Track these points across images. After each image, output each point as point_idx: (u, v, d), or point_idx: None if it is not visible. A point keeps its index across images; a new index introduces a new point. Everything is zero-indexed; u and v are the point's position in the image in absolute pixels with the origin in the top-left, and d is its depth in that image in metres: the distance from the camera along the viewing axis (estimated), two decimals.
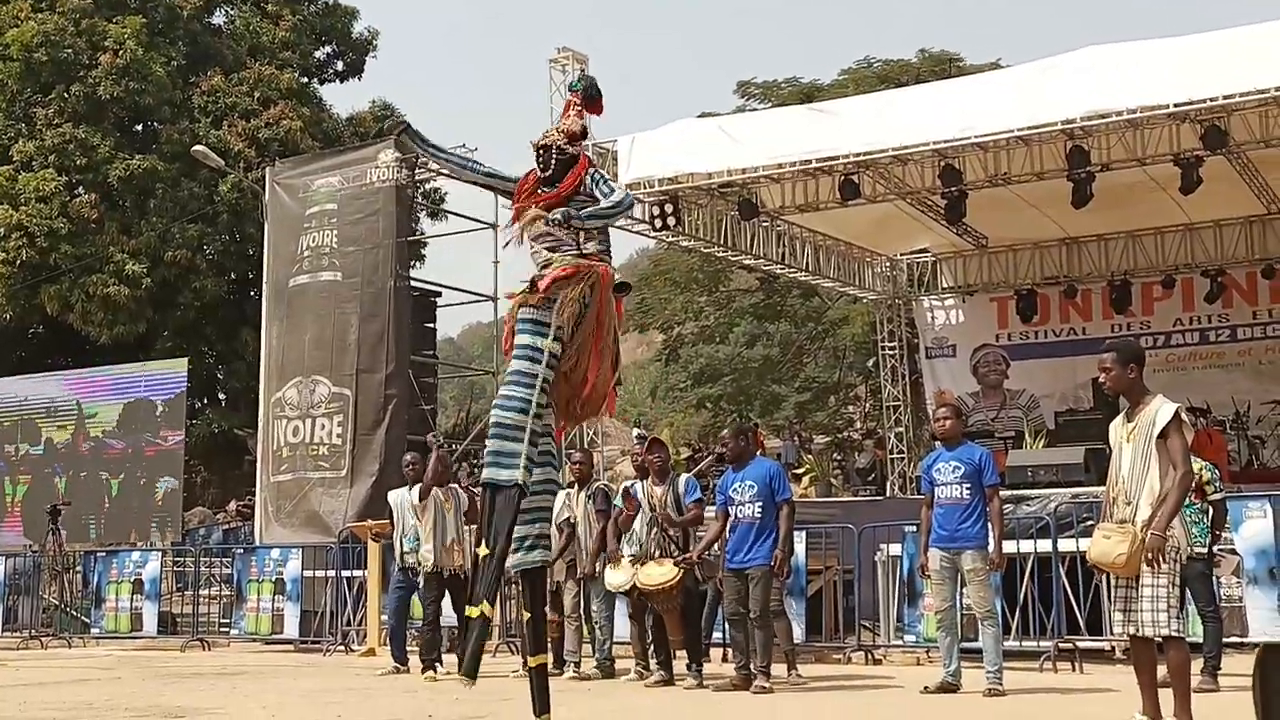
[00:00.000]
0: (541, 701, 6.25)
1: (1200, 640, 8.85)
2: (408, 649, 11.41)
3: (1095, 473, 13.95)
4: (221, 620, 15.84)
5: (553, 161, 6.59)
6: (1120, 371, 6.66)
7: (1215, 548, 9.10)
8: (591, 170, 6.64)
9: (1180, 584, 6.43)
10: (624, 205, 6.63)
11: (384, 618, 12.56)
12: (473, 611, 6.11)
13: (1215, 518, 9.04)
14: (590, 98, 6.89)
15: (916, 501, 14.28)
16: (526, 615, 6.57)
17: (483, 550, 6.14)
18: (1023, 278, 20.80)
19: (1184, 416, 6.48)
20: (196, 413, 27.04)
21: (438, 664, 10.75)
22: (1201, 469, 9.13)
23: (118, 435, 18.92)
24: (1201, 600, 8.95)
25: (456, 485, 11.41)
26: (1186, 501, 8.74)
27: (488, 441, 6.27)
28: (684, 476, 10.31)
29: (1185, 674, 6.47)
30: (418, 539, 11.13)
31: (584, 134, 6.84)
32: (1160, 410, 6.46)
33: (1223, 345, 19.72)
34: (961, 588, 9.07)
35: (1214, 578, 9.12)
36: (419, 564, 11.12)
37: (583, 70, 16.64)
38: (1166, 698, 6.50)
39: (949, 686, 8.80)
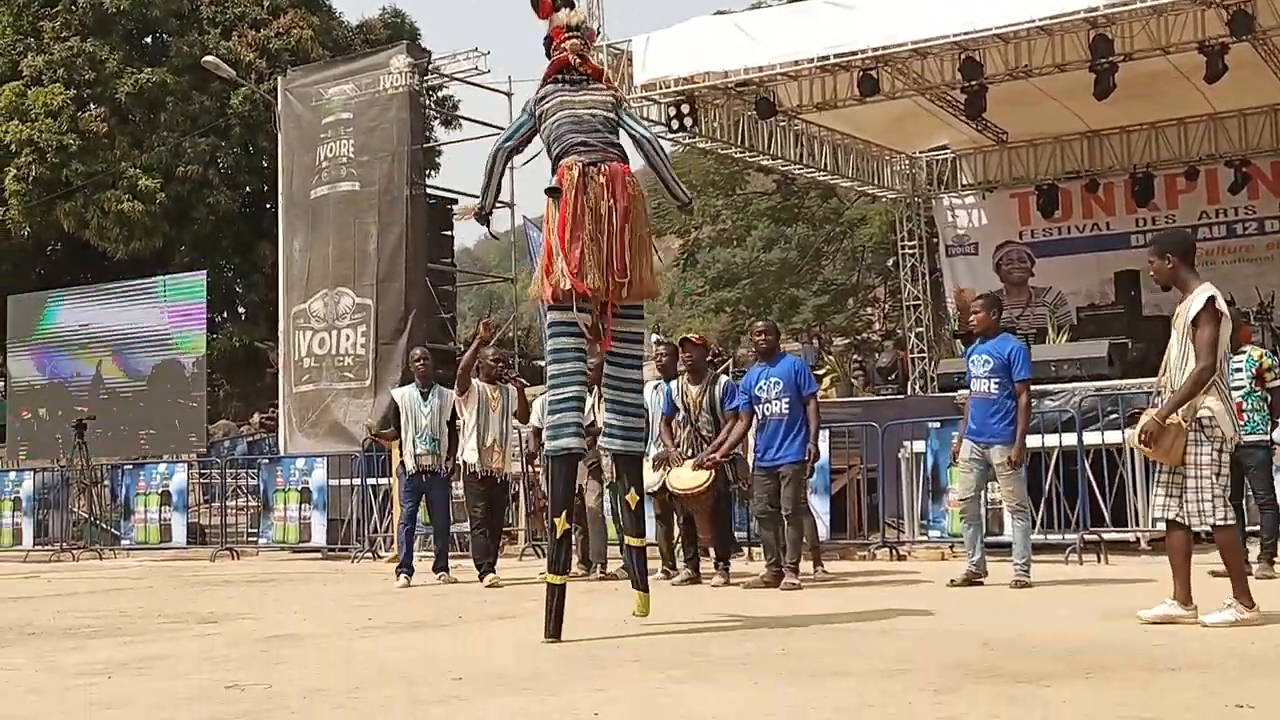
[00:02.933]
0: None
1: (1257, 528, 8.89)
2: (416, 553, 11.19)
3: (1119, 366, 13.94)
4: (249, 530, 16.01)
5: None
6: (1160, 263, 6.63)
7: (1277, 435, 9.03)
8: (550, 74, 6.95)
9: (1228, 470, 6.41)
10: (487, 163, 7.01)
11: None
12: (554, 579, 6.61)
13: (1275, 404, 8.94)
14: (535, 3, 7.07)
15: (938, 399, 14.38)
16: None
17: (561, 524, 6.66)
18: (1044, 173, 20.53)
19: (1220, 306, 6.38)
20: (217, 326, 27.14)
21: (493, 569, 10.43)
22: (1262, 355, 9.08)
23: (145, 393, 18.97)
24: (1260, 487, 8.93)
25: (508, 382, 10.91)
26: (1247, 388, 8.75)
27: (548, 416, 6.75)
28: (723, 379, 10.18)
29: (1236, 555, 6.49)
30: (434, 439, 10.77)
31: (548, 42, 7.03)
32: (1195, 299, 6.39)
33: (1250, 238, 19.48)
34: (991, 481, 9.04)
35: (1274, 465, 9.06)
36: (432, 464, 10.75)
37: None
38: (1199, 585, 6.51)
39: (973, 578, 8.83)
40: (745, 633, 6.86)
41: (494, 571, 10.41)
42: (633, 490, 6.97)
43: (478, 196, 7.27)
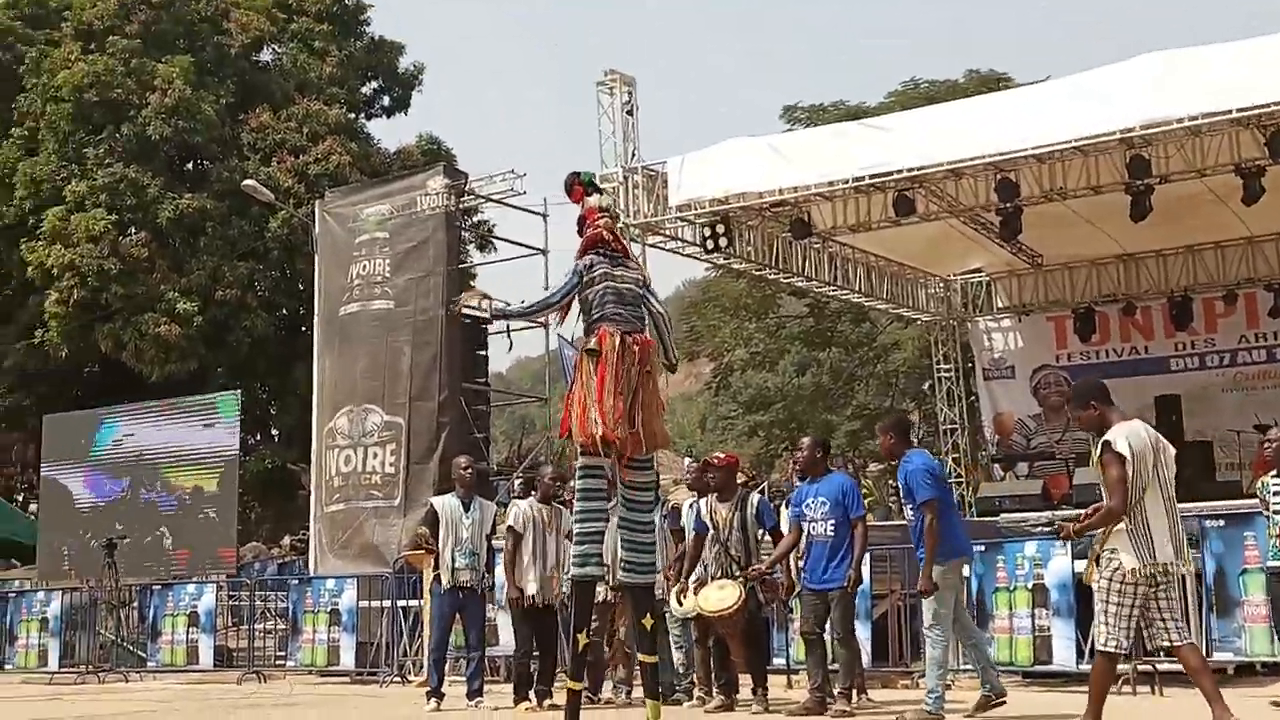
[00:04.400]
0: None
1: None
2: (447, 677, 10.88)
3: None
4: (277, 653, 15.73)
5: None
6: (1085, 414, 6.99)
7: None
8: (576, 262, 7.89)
9: (1121, 598, 6.64)
10: (543, 302, 8.05)
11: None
12: (574, 685, 7.68)
13: None
14: (568, 188, 8.26)
15: (979, 524, 14.06)
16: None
17: (583, 639, 7.69)
18: (1080, 296, 20.43)
19: (1119, 447, 6.62)
20: (250, 449, 27.10)
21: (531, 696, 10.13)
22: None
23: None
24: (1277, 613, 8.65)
25: (564, 503, 10.30)
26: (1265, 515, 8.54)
27: (575, 547, 7.71)
28: (755, 496, 9.98)
29: (1101, 681, 6.87)
30: (473, 553, 10.44)
31: (581, 222, 8.06)
32: (1103, 439, 6.74)
33: None
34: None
35: None
36: (470, 580, 10.40)
37: (630, 93, 16.53)
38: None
39: (987, 703, 8.52)
40: None
41: (531, 699, 10.04)
42: (647, 615, 7.80)
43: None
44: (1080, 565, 10.47)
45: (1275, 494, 8.82)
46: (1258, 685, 9.90)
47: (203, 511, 18.47)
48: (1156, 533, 6.64)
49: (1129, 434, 6.68)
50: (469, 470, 10.87)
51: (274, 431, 29.94)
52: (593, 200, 8.08)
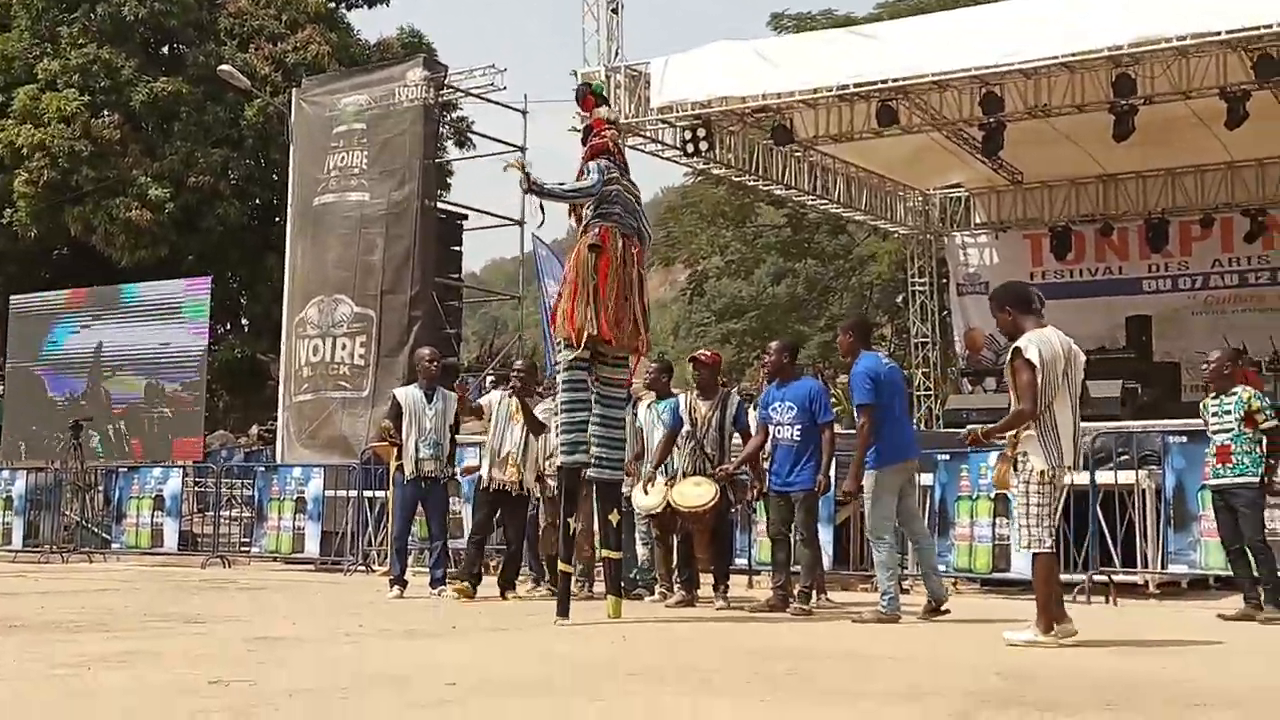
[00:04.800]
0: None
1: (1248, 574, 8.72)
2: (410, 566, 10.95)
3: (1130, 408, 13.76)
4: (242, 539, 15.75)
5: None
6: (1001, 316, 7.22)
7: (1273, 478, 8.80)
8: (590, 162, 8.24)
9: (1052, 500, 6.83)
10: (578, 189, 8.18)
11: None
12: (563, 567, 8.36)
13: (1270, 445, 8.73)
14: (579, 98, 8.84)
15: (945, 434, 14.17)
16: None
17: (574, 524, 8.43)
18: (1058, 215, 20.47)
19: (1029, 355, 6.75)
20: (220, 337, 26.95)
21: (476, 583, 10.15)
22: (1251, 397, 8.89)
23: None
24: (1250, 529, 8.73)
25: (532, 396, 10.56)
26: (1235, 430, 8.60)
27: (563, 435, 8.28)
28: (735, 397, 9.97)
29: (1047, 582, 6.85)
30: (436, 444, 10.41)
31: (588, 130, 8.50)
32: (1014, 347, 6.90)
33: (1262, 288, 19.37)
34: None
35: (1263, 507, 8.85)
36: (434, 470, 10.40)
37: None
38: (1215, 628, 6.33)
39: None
40: (752, 652, 6.65)
41: (474, 587, 10.08)
42: (615, 510, 8.34)
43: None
44: None
45: (1214, 415, 8.87)
46: (1210, 599, 10.06)
47: (160, 410, 18.34)
48: (1064, 437, 6.84)
49: (1039, 341, 6.83)
50: (434, 362, 10.82)
51: (244, 321, 29.77)
52: (602, 111, 8.60)
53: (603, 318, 7.91)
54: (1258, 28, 12.92)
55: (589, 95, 8.74)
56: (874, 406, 8.44)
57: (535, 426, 10.21)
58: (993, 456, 11.03)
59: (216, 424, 25.51)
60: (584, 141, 8.49)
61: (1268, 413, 8.75)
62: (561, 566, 8.30)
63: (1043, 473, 6.78)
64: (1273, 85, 14.31)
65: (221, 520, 16.25)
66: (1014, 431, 6.89)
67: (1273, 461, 8.71)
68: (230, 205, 26.63)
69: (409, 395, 10.66)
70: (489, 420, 10.46)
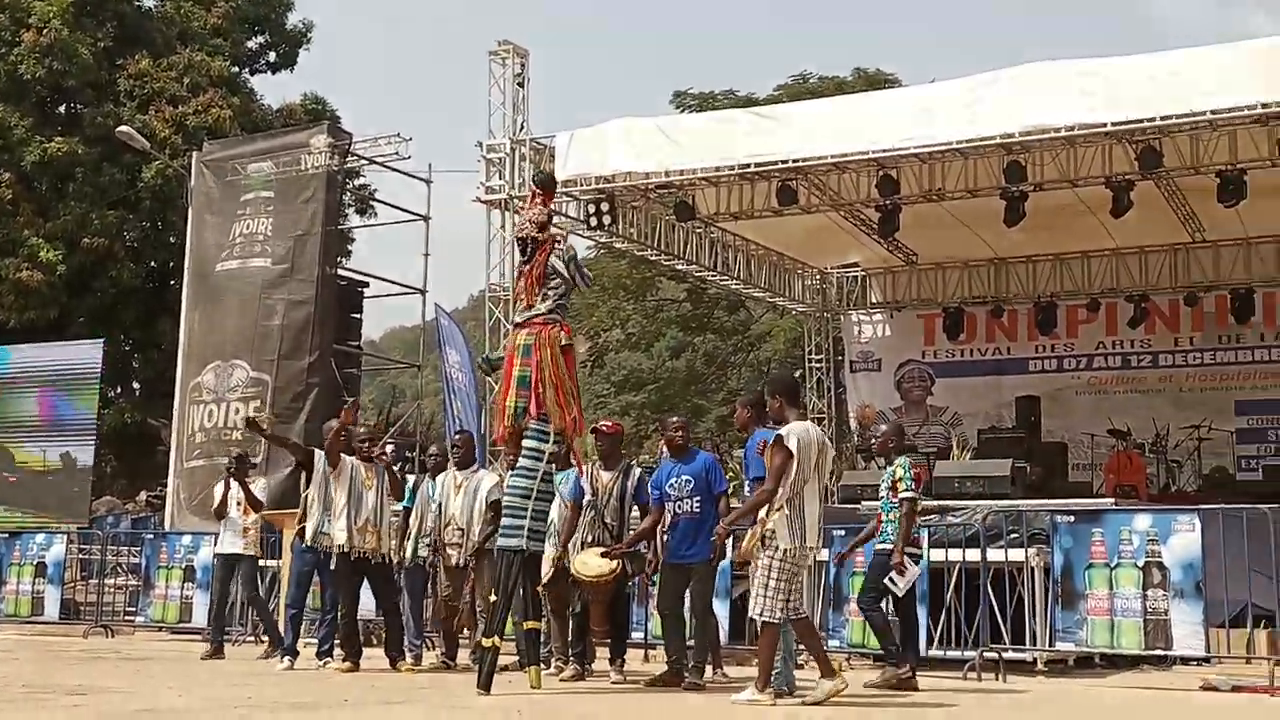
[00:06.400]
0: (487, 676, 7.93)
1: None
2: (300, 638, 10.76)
3: (1020, 486, 14.04)
4: (127, 608, 15.36)
5: (528, 248, 8.48)
6: (771, 402, 7.94)
7: (908, 549, 9.08)
8: (556, 248, 8.44)
9: (780, 575, 7.43)
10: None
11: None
12: (486, 642, 8.07)
13: (903, 515, 9.01)
14: (547, 188, 8.93)
15: (841, 510, 14.31)
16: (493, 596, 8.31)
17: (493, 596, 8.28)
18: (951, 296, 20.93)
19: (789, 442, 7.48)
20: (109, 401, 26.40)
21: (358, 656, 10.04)
22: (898, 466, 9.15)
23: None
24: (867, 594, 9.20)
25: (384, 462, 10.47)
26: (884, 500, 8.91)
27: (503, 515, 8.38)
28: (637, 470, 9.97)
29: (769, 646, 7.60)
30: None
31: (550, 220, 8.67)
32: (774, 434, 7.60)
33: (1144, 370, 19.96)
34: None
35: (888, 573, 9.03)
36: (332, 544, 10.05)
37: (522, 64, 16.48)
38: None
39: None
40: None
41: (356, 662, 9.98)
42: (539, 581, 8.60)
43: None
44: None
45: (883, 482, 9.30)
46: (1096, 676, 10.26)
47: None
48: (809, 522, 7.54)
49: (800, 431, 7.60)
50: (337, 436, 10.58)
51: (135, 385, 29.21)
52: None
53: (578, 412, 8.44)
54: (1141, 120, 13.44)
55: (554, 187, 9.41)
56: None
57: (398, 492, 10.42)
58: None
59: (103, 489, 24.92)
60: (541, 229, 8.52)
61: (908, 481, 9.07)
62: (485, 641, 8.14)
63: (786, 551, 7.43)
64: (1155, 176, 14.87)
65: (106, 589, 15.83)
66: (765, 510, 7.54)
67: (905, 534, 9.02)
68: (125, 268, 26.25)
69: (322, 461, 10.28)
70: (332, 478, 10.09)
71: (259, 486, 15.22)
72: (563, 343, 8.30)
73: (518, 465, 8.36)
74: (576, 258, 8.66)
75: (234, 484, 12.22)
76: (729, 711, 7.50)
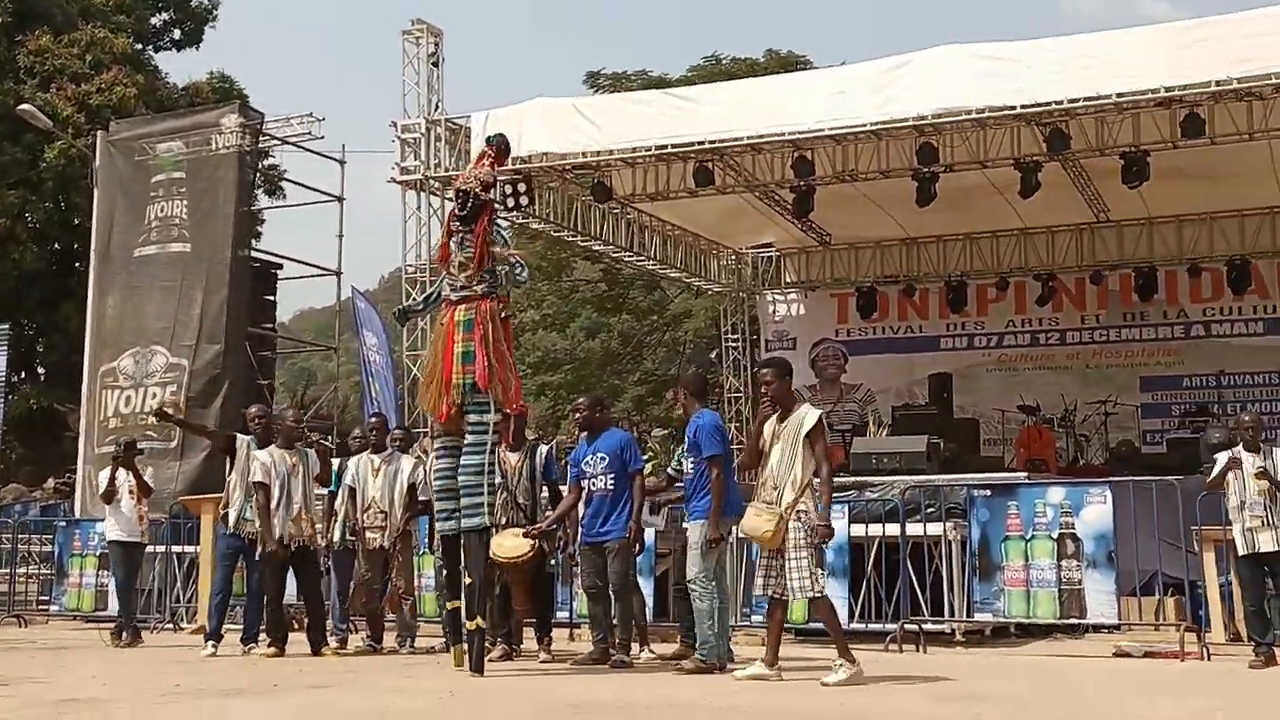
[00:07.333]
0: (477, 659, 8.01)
1: None
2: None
3: (935, 462, 14.31)
4: (40, 597, 15.10)
5: (468, 204, 8.23)
6: (779, 382, 7.95)
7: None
8: (495, 215, 8.44)
9: (811, 549, 7.60)
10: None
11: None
12: (471, 624, 8.05)
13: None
14: (502, 152, 8.77)
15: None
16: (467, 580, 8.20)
17: (466, 580, 8.16)
18: (864, 275, 21.22)
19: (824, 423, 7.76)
20: (13, 387, 25.82)
21: (284, 642, 9.94)
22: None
23: None
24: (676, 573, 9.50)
25: (308, 447, 10.42)
26: None
27: (461, 496, 8.17)
28: (543, 447, 10.05)
29: (833, 619, 7.88)
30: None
31: (495, 183, 8.50)
32: (806, 416, 7.71)
33: (1052, 348, 20.42)
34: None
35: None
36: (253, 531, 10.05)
37: (436, 44, 16.39)
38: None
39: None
40: (572, 705, 6.72)
41: (282, 648, 9.91)
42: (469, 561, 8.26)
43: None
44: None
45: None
46: (1011, 645, 10.54)
47: None
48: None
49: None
50: (259, 420, 10.60)
51: (40, 370, 28.62)
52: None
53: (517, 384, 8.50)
54: (1049, 104, 13.74)
55: (508, 153, 9.11)
56: (725, 457, 8.62)
57: (326, 477, 10.50)
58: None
59: (9, 477, 24.43)
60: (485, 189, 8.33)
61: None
62: (470, 624, 8.06)
63: (814, 527, 7.58)
64: (1062, 158, 15.20)
65: (17, 578, 15.54)
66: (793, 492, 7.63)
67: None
68: (27, 250, 25.67)
69: (245, 446, 10.26)
70: (257, 471, 10.01)
71: (175, 472, 15.17)
72: (502, 315, 8.21)
73: (466, 443, 8.16)
74: (516, 271, 8.38)
75: (123, 471, 11.97)
76: (657, 686, 7.58)
